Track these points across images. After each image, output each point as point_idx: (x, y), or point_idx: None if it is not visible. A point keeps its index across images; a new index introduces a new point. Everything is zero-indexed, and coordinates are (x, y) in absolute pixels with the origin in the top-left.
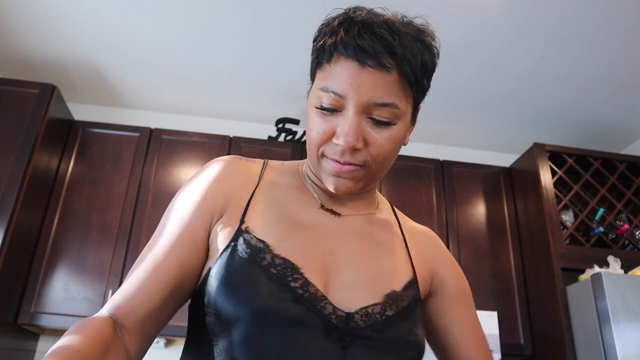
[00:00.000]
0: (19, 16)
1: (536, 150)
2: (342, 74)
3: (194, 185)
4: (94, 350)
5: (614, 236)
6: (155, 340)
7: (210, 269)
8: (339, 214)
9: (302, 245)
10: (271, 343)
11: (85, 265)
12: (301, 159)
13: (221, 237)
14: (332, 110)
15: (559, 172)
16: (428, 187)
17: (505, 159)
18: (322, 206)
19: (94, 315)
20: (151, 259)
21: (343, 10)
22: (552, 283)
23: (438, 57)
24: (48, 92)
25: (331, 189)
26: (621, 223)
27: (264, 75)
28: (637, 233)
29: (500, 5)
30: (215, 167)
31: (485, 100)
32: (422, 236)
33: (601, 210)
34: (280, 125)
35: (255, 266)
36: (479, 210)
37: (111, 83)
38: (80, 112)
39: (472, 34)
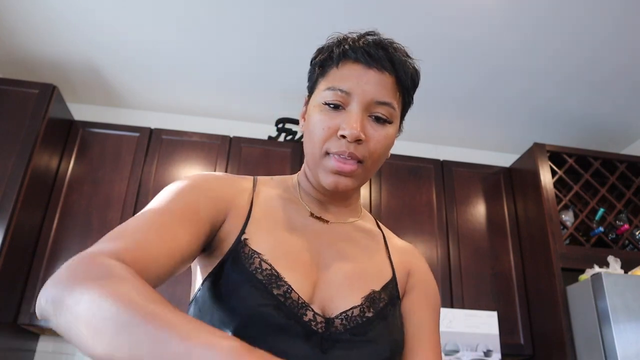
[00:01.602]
0: (19, 17)
1: (536, 150)
2: (349, 75)
3: (209, 185)
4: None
5: (614, 236)
6: None
7: (208, 276)
8: (326, 221)
9: (292, 250)
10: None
11: None
12: (301, 159)
13: (224, 245)
14: (337, 107)
15: (559, 172)
16: (428, 187)
17: (505, 159)
18: (312, 214)
19: (111, 262)
20: (159, 234)
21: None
22: (552, 283)
23: (419, 79)
24: (48, 92)
25: (330, 187)
26: (621, 223)
27: (264, 75)
28: (637, 233)
29: (503, 7)
30: (210, 176)
31: (486, 101)
32: (404, 247)
33: (601, 210)
34: (280, 125)
35: (243, 275)
36: (479, 210)
37: (111, 83)
38: (80, 112)
39: (473, 35)
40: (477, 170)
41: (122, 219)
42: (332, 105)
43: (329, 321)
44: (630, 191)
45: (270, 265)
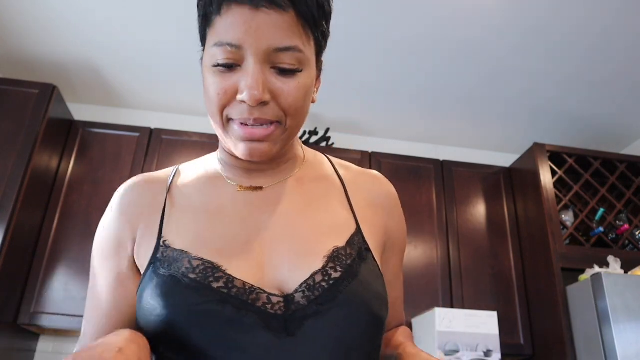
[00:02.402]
0: (19, 17)
1: (536, 150)
2: (235, 22)
3: (102, 226)
4: None
5: (614, 236)
6: None
7: (137, 294)
8: (259, 187)
9: (226, 236)
10: (214, 352)
11: (85, 265)
12: None
13: (143, 261)
14: (230, 66)
15: (559, 172)
16: (428, 187)
17: (505, 159)
18: (240, 186)
19: None
20: (97, 320)
21: None
22: (552, 283)
23: (330, 3)
24: (48, 92)
25: (243, 156)
26: (621, 223)
27: None
28: (637, 233)
29: (503, 6)
30: (115, 198)
31: (486, 100)
32: (368, 180)
33: (601, 210)
34: None
35: (173, 279)
36: (479, 210)
37: (111, 83)
38: (80, 112)
39: (474, 34)
40: (477, 170)
41: None
42: (224, 65)
43: (287, 298)
44: (630, 191)
45: (201, 259)
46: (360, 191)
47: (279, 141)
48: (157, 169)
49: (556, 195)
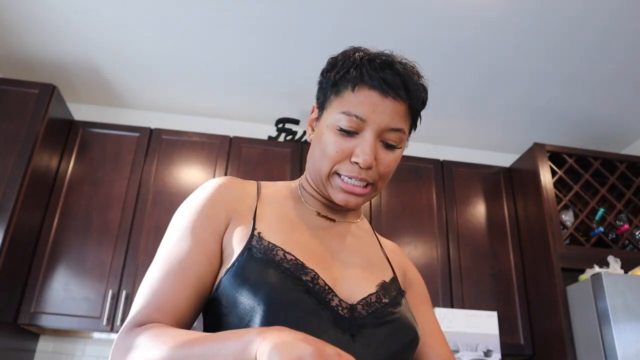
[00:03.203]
0: (19, 16)
1: (536, 150)
2: (366, 102)
3: (195, 204)
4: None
5: (614, 236)
6: None
7: (227, 272)
8: (333, 219)
9: (306, 245)
10: None
11: (85, 265)
12: (301, 159)
13: (235, 244)
14: (351, 133)
15: (559, 172)
16: (428, 187)
17: (505, 159)
18: (318, 213)
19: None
20: (173, 276)
21: (350, 47)
22: (552, 283)
23: (427, 98)
24: (48, 92)
25: (341, 203)
26: (621, 223)
27: (264, 75)
28: (637, 233)
29: (503, 6)
30: (212, 186)
31: (486, 101)
32: (393, 247)
33: (601, 210)
34: (280, 125)
35: (269, 263)
36: (479, 210)
37: (111, 83)
38: (80, 112)
39: (474, 35)
40: (477, 170)
41: (122, 219)
42: (346, 131)
43: (352, 307)
44: (630, 191)
45: (293, 255)
46: (390, 252)
47: (368, 197)
48: (157, 169)
49: (556, 195)
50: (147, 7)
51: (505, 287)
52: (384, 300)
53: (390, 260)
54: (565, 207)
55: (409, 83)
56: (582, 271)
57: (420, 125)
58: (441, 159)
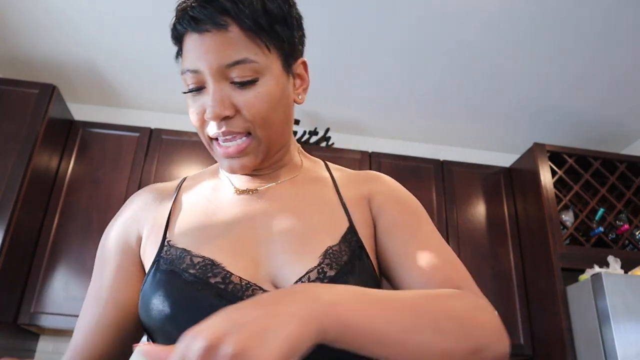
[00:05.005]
0: (19, 16)
1: (536, 150)
2: (189, 50)
3: (109, 227)
4: None
5: (614, 236)
6: None
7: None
8: (255, 190)
9: (224, 235)
10: None
11: (85, 265)
12: None
13: (148, 258)
14: (198, 89)
15: (559, 172)
16: (428, 187)
17: (505, 159)
18: (237, 189)
19: None
20: (90, 310)
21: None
22: (552, 283)
23: (290, 3)
24: (48, 92)
25: (229, 171)
26: (621, 223)
27: None
28: (637, 233)
29: (503, 6)
30: (127, 202)
31: (486, 101)
32: (360, 178)
33: (601, 210)
34: None
35: (174, 275)
36: (479, 210)
37: (111, 83)
38: (80, 112)
39: (474, 35)
40: (477, 170)
41: None
42: (192, 90)
43: None
44: (630, 191)
45: (202, 256)
46: (351, 189)
47: (258, 152)
48: (157, 169)
49: (556, 195)
50: (147, 8)
51: (505, 287)
52: (328, 274)
53: (346, 202)
54: (565, 207)
55: (224, 5)
56: (582, 271)
57: (421, 126)
58: (441, 159)
